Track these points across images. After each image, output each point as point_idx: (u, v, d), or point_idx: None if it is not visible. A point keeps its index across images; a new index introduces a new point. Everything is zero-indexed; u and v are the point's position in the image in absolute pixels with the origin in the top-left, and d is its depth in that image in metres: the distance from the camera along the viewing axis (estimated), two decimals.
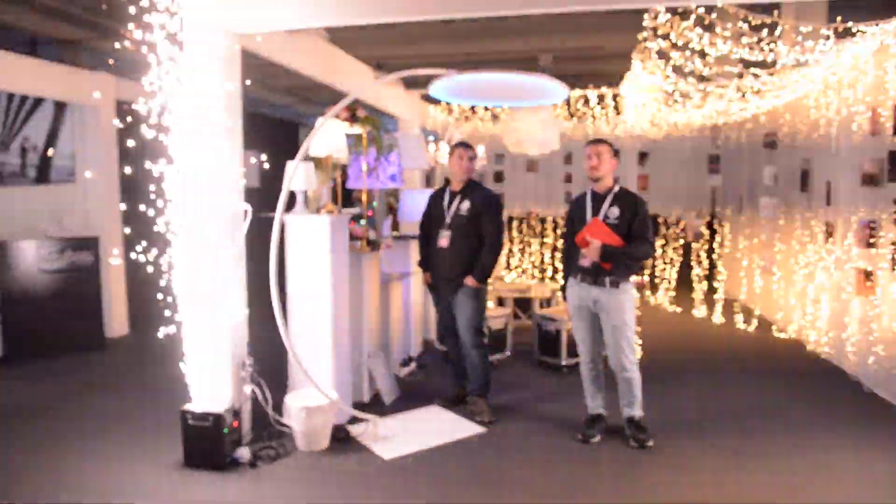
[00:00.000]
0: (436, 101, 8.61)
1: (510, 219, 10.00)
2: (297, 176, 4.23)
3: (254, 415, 4.11)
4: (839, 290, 5.60)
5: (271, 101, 15.46)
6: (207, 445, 3.74)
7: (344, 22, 3.96)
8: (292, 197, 4.30)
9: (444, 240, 4.56)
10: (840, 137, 5.71)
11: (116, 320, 6.80)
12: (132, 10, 3.60)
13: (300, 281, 4.30)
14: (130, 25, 3.56)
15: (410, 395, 4.92)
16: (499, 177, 10.13)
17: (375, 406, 4.70)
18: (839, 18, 4.73)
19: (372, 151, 5.17)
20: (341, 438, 4.09)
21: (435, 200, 4.78)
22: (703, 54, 5.45)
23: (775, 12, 4.76)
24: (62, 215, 6.68)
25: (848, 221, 5.47)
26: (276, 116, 12.15)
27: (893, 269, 4.76)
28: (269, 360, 4.31)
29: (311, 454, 3.93)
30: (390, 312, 5.39)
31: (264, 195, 5.33)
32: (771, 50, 4.96)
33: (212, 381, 3.90)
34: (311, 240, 4.27)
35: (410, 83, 8.03)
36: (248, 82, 4.12)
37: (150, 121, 3.67)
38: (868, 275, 5.13)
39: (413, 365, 5.52)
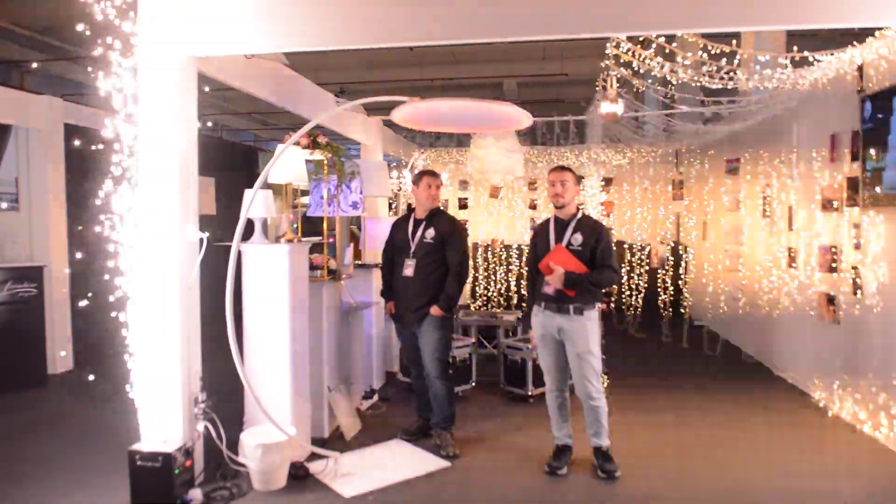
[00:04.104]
0: (399, 128, 8.58)
1: (475, 246, 9.95)
2: (256, 204, 4.11)
3: (207, 453, 3.92)
4: (802, 314, 5.64)
5: (230, 126, 15.34)
6: (156, 487, 3.53)
7: (302, 47, 3.89)
8: (251, 225, 4.18)
9: (408, 268, 4.48)
10: (800, 163, 5.80)
11: (60, 355, 6.47)
12: (85, 31, 3.49)
13: (257, 312, 4.15)
14: (83, 48, 3.45)
15: (373, 430, 4.76)
16: (463, 204, 10.09)
17: (336, 441, 4.53)
18: (795, 48, 4.82)
19: (333, 179, 5.07)
20: (300, 476, 3.92)
21: (398, 228, 4.70)
22: (665, 82, 5.51)
23: (734, 41, 4.82)
24: (5, 244, 6.38)
25: (810, 246, 5.52)
26: (234, 141, 12.00)
27: (855, 293, 4.79)
28: (224, 395, 4.14)
29: (267, 494, 3.74)
30: (352, 344, 5.24)
31: (221, 222, 5.18)
32: (731, 78, 5.02)
33: (162, 418, 3.72)
34: (269, 269, 4.13)
35: (373, 109, 7.97)
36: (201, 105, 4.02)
37: (101, 146, 3.53)
38: (830, 299, 5.16)
39: (375, 398, 5.37)
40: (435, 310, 4.36)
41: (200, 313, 3.93)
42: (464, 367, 5.63)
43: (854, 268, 4.80)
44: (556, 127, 8.51)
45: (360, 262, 6.19)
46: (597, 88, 6.07)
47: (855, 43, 4.69)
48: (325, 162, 4.88)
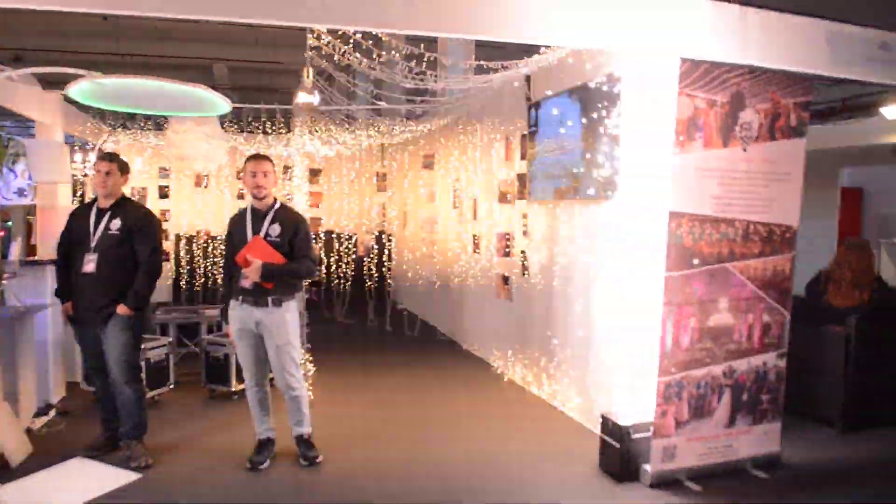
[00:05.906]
0: (86, 105, 7.57)
1: (178, 238, 9.31)
2: None
3: None
4: (484, 294, 6.38)
5: None
6: None
7: None
8: None
9: (89, 264, 3.98)
10: (483, 160, 6.51)
11: None
12: None
13: None
14: None
15: (49, 450, 4.15)
16: (164, 193, 9.34)
17: None
18: (473, 56, 5.38)
19: None
20: None
21: (77, 219, 4.16)
22: (367, 79, 5.72)
23: (422, 45, 5.20)
24: None
25: (490, 234, 6.26)
26: None
27: (523, 273, 5.56)
28: None
29: None
30: (19, 353, 4.53)
31: None
32: (421, 79, 5.41)
33: None
34: None
35: (50, 82, 6.93)
36: None
37: None
38: (505, 279, 5.92)
39: (52, 413, 4.72)
40: (122, 308, 3.95)
41: None
42: (159, 369, 5.24)
43: (523, 252, 5.56)
44: (263, 115, 8.32)
45: (32, 258, 5.38)
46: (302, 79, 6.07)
47: (525, 57, 5.39)
48: None
